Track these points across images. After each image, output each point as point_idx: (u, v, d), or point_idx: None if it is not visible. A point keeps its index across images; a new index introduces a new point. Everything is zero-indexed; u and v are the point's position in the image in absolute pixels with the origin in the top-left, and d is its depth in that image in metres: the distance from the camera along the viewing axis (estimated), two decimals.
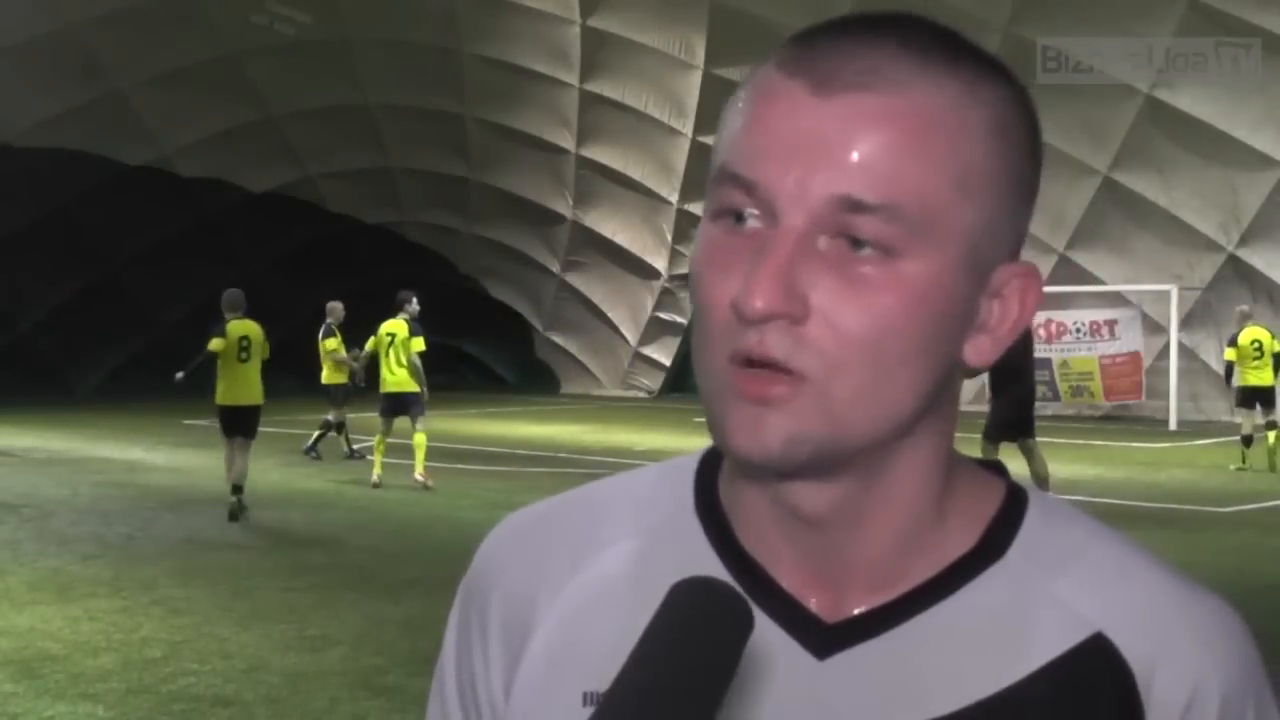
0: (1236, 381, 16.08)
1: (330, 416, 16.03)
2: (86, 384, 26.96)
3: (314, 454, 15.95)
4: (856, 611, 0.79)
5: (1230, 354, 15.98)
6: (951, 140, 0.73)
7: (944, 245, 0.73)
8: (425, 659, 6.52)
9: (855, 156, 0.71)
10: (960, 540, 0.81)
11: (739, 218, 0.74)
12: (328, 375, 16.01)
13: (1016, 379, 10.99)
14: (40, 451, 16.77)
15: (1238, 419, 16.14)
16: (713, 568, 0.82)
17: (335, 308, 16.29)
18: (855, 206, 0.71)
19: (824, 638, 0.79)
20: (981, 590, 0.79)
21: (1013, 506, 0.83)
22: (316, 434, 16.11)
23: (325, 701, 5.84)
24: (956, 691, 0.77)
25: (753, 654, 0.78)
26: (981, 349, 0.77)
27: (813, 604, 0.80)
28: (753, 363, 0.73)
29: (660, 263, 28.35)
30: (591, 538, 0.87)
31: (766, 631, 0.78)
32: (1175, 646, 0.78)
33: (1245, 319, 16.11)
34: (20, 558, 9.30)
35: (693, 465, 0.88)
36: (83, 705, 5.76)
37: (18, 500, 12.18)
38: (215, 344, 11.53)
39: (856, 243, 0.72)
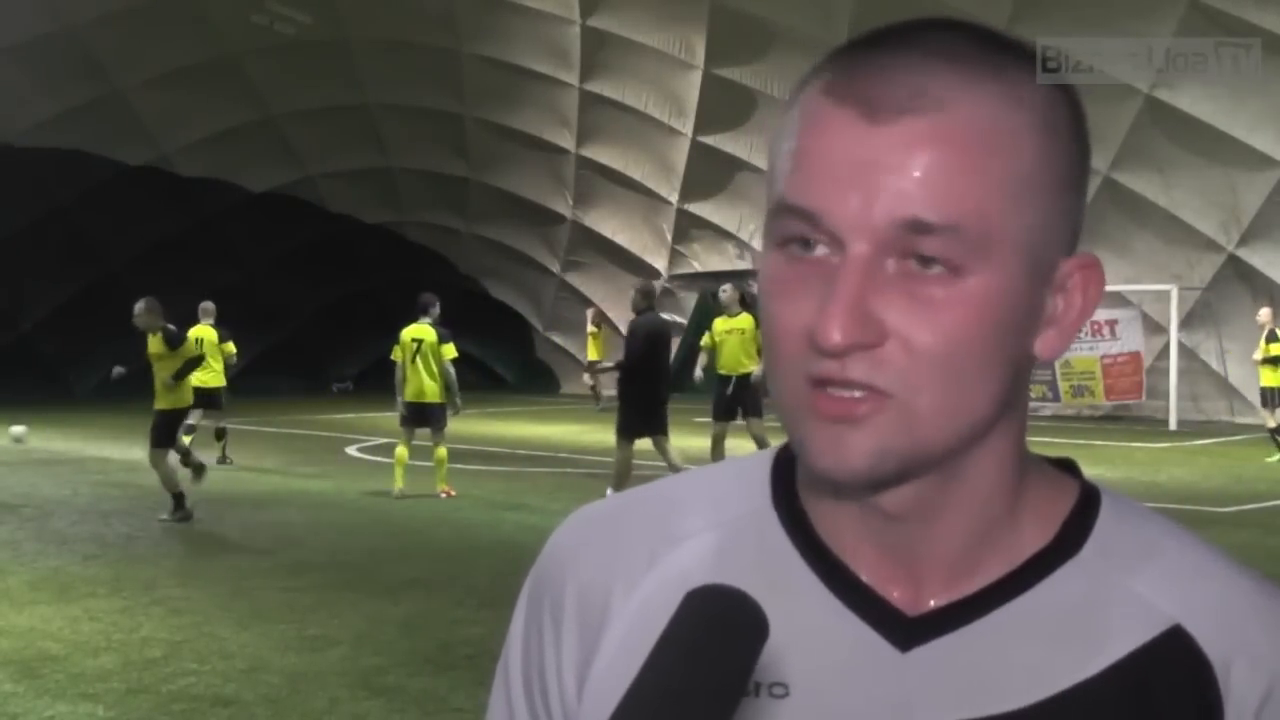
0: (1263, 381, 16.38)
1: (222, 423, 15.38)
2: (86, 384, 26.96)
3: (229, 460, 15.37)
4: (937, 604, 0.80)
5: (1275, 349, 16.10)
6: (1002, 151, 0.74)
7: (1005, 255, 0.74)
8: (425, 659, 6.53)
9: (914, 180, 0.72)
10: (1035, 537, 0.82)
11: (806, 244, 0.75)
12: (215, 379, 15.11)
13: (644, 379, 11.54)
14: (40, 451, 16.77)
15: (1270, 421, 16.37)
16: (792, 562, 0.83)
17: (209, 307, 15.68)
18: (920, 228, 0.72)
19: (906, 631, 0.80)
20: (1058, 585, 0.81)
21: (1087, 504, 0.84)
22: (222, 445, 15.47)
23: (325, 701, 5.83)
24: (1036, 684, 0.78)
25: (836, 645, 0.80)
26: (1050, 342, 0.79)
27: (893, 597, 0.81)
28: (834, 383, 0.74)
29: (660, 263, 28.33)
30: (668, 531, 0.88)
31: (849, 624, 0.80)
32: (1251, 641, 0.80)
33: (1276, 319, 16.31)
34: (20, 558, 9.30)
35: (768, 460, 0.89)
36: (83, 705, 5.76)
37: (18, 500, 12.18)
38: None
39: (923, 260, 0.73)
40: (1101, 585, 0.81)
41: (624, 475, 11.55)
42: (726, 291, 13.58)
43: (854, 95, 0.74)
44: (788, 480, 0.87)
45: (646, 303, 12.25)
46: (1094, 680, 0.78)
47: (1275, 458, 15.92)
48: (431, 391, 12.51)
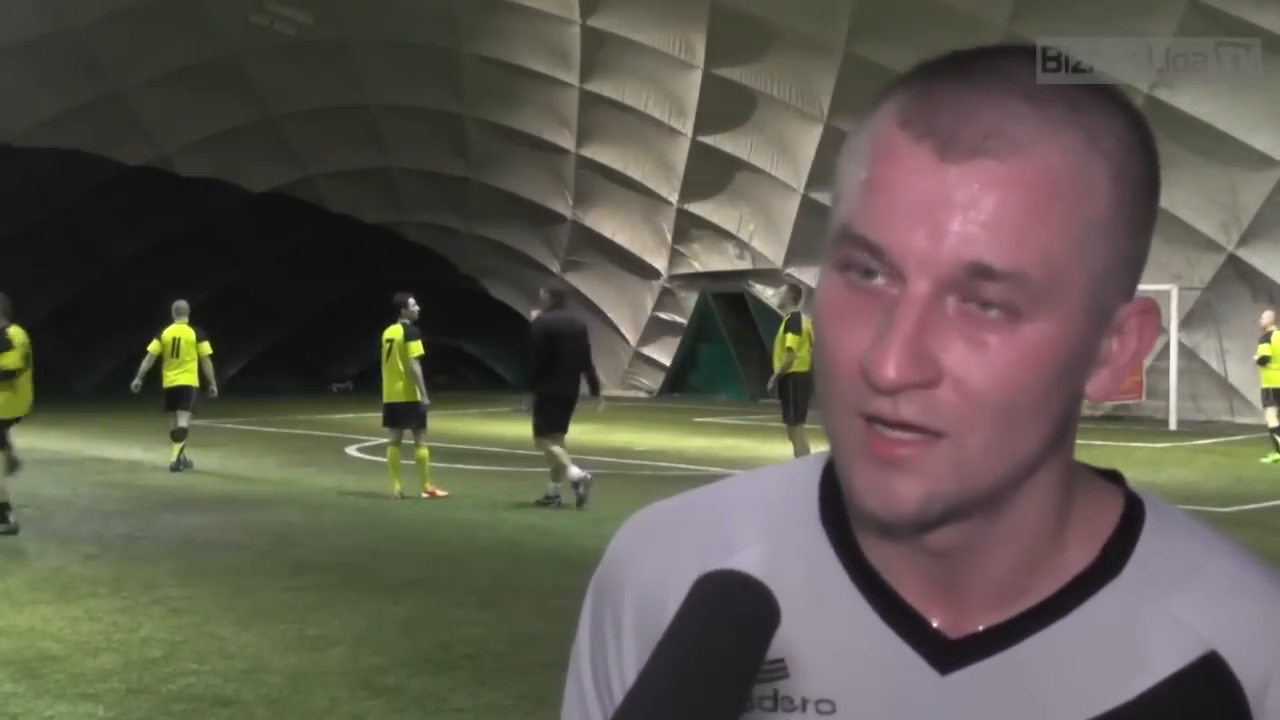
0: (1262, 382, 16.42)
1: (183, 423, 14.86)
2: (86, 384, 26.96)
3: (182, 466, 14.69)
4: (979, 628, 0.81)
5: (1265, 349, 16.17)
6: (1074, 200, 0.73)
7: (1066, 302, 0.73)
8: (425, 659, 6.53)
9: (982, 222, 0.71)
10: (1079, 556, 0.82)
11: (867, 272, 0.74)
12: (188, 377, 14.85)
13: (550, 378, 11.76)
14: (40, 451, 16.76)
15: (1272, 419, 16.39)
16: (839, 579, 0.84)
17: (182, 306, 15.19)
18: (983, 273, 0.72)
19: (947, 653, 0.80)
20: (1099, 608, 0.81)
21: (1130, 519, 0.84)
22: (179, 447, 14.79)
23: (325, 701, 5.83)
24: (1073, 708, 0.79)
25: (879, 665, 0.81)
26: (1101, 383, 0.79)
27: (935, 619, 0.81)
28: (885, 423, 0.73)
29: (660, 263, 28.34)
30: (721, 541, 0.88)
31: (890, 644, 0.81)
32: None
33: (1275, 321, 16.32)
34: (20, 558, 9.30)
35: (818, 470, 0.89)
36: (83, 705, 5.76)
37: (18, 500, 12.16)
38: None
39: (982, 303, 0.72)
40: (1140, 607, 0.81)
41: (561, 467, 11.81)
42: (779, 296, 13.77)
43: (929, 130, 0.73)
44: (835, 492, 0.86)
45: (552, 301, 12.35)
46: (1129, 705, 0.78)
47: (1270, 458, 15.93)
48: (401, 391, 12.48)
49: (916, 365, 0.71)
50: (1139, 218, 0.77)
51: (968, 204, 0.71)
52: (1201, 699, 0.79)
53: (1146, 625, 0.80)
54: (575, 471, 11.64)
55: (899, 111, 0.75)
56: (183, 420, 14.75)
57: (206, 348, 15.09)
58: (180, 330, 14.94)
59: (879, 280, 0.74)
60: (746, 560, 0.86)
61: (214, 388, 15.30)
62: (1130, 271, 0.77)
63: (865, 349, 0.72)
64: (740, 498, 0.91)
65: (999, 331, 0.72)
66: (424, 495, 12.38)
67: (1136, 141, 0.77)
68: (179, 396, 14.81)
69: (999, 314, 0.72)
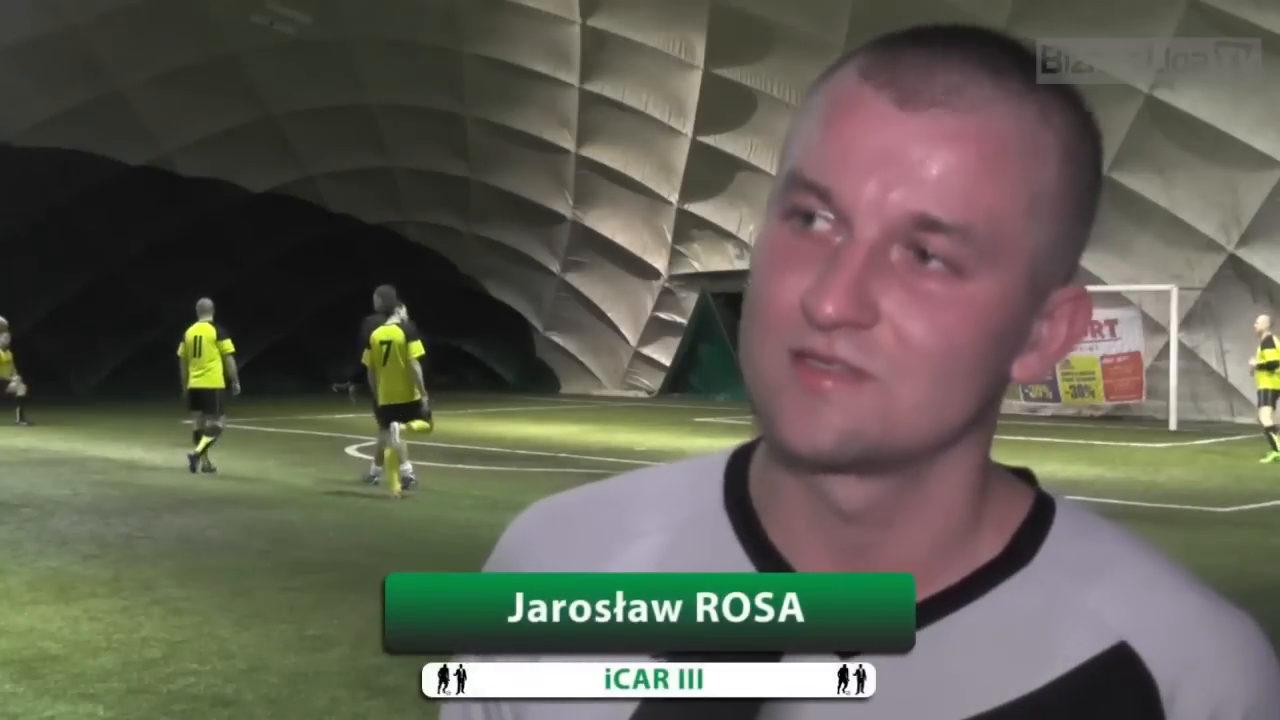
0: (1258, 384, 16.58)
1: (219, 423, 14.63)
2: (86, 384, 26.96)
3: (213, 469, 14.29)
4: None
5: (1271, 355, 16.28)
6: (1025, 165, 0.74)
7: (1009, 267, 0.74)
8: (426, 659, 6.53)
9: (934, 175, 0.72)
10: (989, 546, 0.81)
11: (808, 219, 0.75)
12: (212, 379, 14.58)
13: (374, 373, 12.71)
14: (40, 451, 16.77)
15: (1265, 418, 16.53)
16: (739, 563, 0.82)
17: (206, 305, 14.85)
18: (930, 225, 0.72)
19: None
20: (1008, 595, 0.80)
21: (1040, 514, 0.83)
22: (206, 442, 14.45)
23: (325, 701, 5.83)
24: (982, 694, 0.78)
25: None
26: (1030, 366, 0.79)
27: None
28: (818, 358, 0.73)
29: (660, 263, 28.34)
30: (621, 530, 0.87)
31: None
32: (1200, 660, 0.79)
33: (1273, 326, 16.45)
34: (20, 558, 9.29)
35: (723, 461, 0.89)
36: (83, 705, 5.76)
37: (18, 500, 12.17)
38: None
39: (925, 255, 0.73)
40: (1050, 597, 0.80)
41: (381, 453, 12.95)
42: None
43: (889, 83, 0.74)
44: (740, 480, 0.86)
45: (382, 304, 13.12)
46: (1038, 694, 0.77)
47: (1270, 457, 15.95)
48: (403, 392, 12.45)
49: (857, 305, 0.72)
50: (1084, 203, 0.78)
51: (921, 155, 0.73)
52: (1112, 689, 0.78)
53: (1056, 615, 0.79)
54: (374, 468, 13.06)
55: (860, 67, 0.76)
56: (218, 421, 14.51)
57: (228, 345, 14.78)
58: (202, 329, 14.63)
59: (823, 226, 0.74)
60: (646, 548, 0.85)
61: (236, 385, 14.99)
62: (1070, 254, 0.79)
63: (803, 292, 0.73)
64: (641, 488, 0.90)
65: (941, 285, 0.73)
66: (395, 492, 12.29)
67: (1086, 131, 0.78)
68: (202, 399, 14.52)
69: (941, 267, 0.73)
